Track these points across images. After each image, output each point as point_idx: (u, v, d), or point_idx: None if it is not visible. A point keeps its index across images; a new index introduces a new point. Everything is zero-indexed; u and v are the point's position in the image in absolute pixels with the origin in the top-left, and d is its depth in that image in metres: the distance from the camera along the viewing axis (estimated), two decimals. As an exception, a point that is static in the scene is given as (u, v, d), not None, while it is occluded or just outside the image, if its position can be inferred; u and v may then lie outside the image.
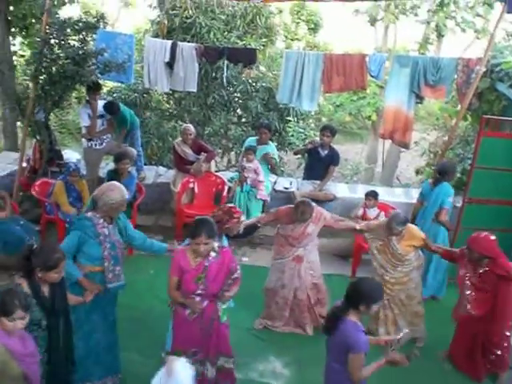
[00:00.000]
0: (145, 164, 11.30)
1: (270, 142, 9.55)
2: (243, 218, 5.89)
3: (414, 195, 9.44)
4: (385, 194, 9.23)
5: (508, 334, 6.11)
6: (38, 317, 4.40)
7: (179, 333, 5.17)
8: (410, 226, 6.66)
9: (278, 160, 9.88)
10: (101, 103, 9.40)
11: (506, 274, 5.79)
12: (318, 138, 9.45)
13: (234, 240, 8.87)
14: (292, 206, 6.65)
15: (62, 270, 4.46)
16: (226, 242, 5.80)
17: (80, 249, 5.26)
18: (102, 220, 5.31)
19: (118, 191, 5.38)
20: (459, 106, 9.48)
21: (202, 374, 5.22)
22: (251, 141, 9.40)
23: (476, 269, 5.99)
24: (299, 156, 12.19)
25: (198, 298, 4.99)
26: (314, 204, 6.67)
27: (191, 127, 9.20)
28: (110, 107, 9.26)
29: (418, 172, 12.95)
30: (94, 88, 9.19)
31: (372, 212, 8.25)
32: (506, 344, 6.12)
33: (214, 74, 12.06)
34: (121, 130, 9.55)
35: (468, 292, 6.04)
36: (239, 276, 5.19)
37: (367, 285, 4.54)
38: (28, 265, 4.39)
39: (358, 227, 6.83)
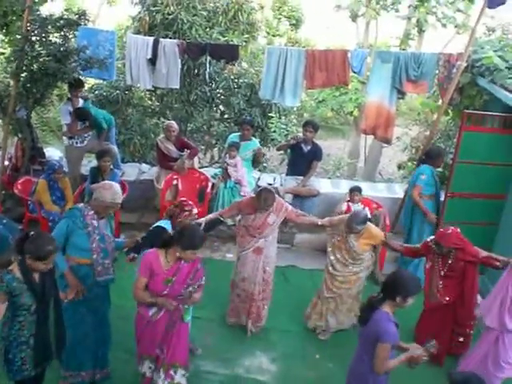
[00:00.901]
0: (128, 161, 11.29)
1: (253, 138, 9.56)
2: (195, 211, 5.86)
3: (397, 190, 9.56)
4: (368, 189, 9.29)
5: (475, 313, 6.40)
6: (29, 302, 4.46)
7: (142, 336, 5.13)
8: (370, 225, 6.71)
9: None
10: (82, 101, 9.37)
11: (475, 258, 6.15)
12: (300, 134, 9.46)
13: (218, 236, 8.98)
14: (253, 195, 6.71)
15: (50, 262, 4.48)
16: None
17: (68, 239, 5.27)
18: (92, 212, 5.33)
19: (110, 192, 5.37)
20: (440, 101, 9.55)
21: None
22: (234, 137, 9.39)
23: (445, 260, 6.27)
24: (282, 152, 12.21)
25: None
26: (275, 194, 6.68)
27: (174, 124, 9.17)
28: (80, 115, 9.17)
29: (400, 167, 13.02)
30: (76, 85, 9.16)
31: (356, 207, 8.28)
32: (472, 323, 6.47)
33: (196, 71, 12.01)
34: (99, 133, 9.47)
35: (438, 282, 6.34)
36: (203, 283, 5.12)
37: (406, 277, 4.61)
38: (22, 249, 4.42)
39: (319, 223, 6.85)
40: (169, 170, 9.09)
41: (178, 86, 10.00)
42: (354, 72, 9.39)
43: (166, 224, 5.70)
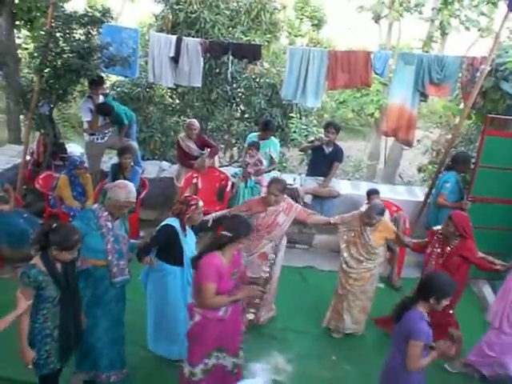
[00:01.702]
0: (148, 159, 11.33)
1: (273, 138, 9.53)
2: (201, 203, 5.84)
3: (417, 193, 9.49)
4: (387, 192, 9.24)
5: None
6: (54, 294, 4.49)
7: (210, 335, 5.03)
8: (385, 218, 6.75)
9: (278, 155, 9.81)
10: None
11: (471, 255, 6.13)
12: (323, 135, 9.42)
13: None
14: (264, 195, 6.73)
15: (75, 251, 4.54)
16: (192, 234, 5.94)
17: (83, 240, 5.25)
18: (106, 213, 5.29)
19: (124, 191, 5.32)
20: (463, 105, 9.49)
21: (238, 367, 5.33)
22: (253, 136, 9.37)
23: (444, 248, 6.25)
24: (302, 152, 12.20)
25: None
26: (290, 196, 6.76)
27: (196, 122, 9.17)
28: (103, 109, 9.19)
29: (420, 170, 12.94)
30: (97, 83, 9.19)
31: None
32: (451, 311, 6.41)
33: (217, 70, 12.06)
34: (120, 128, 9.53)
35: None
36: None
37: (440, 279, 4.66)
38: (45, 241, 4.44)
39: (332, 221, 6.82)
40: (189, 169, 9.09)
41: (199, 85, 10.02)
42: (377, 73, 9.36)
43: (173, 222, 5.69)
